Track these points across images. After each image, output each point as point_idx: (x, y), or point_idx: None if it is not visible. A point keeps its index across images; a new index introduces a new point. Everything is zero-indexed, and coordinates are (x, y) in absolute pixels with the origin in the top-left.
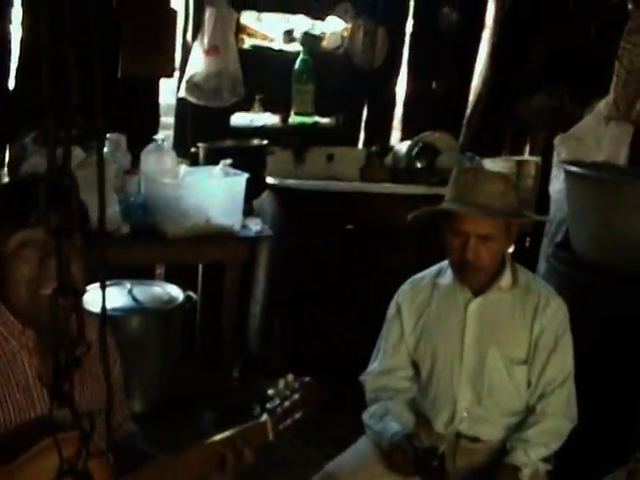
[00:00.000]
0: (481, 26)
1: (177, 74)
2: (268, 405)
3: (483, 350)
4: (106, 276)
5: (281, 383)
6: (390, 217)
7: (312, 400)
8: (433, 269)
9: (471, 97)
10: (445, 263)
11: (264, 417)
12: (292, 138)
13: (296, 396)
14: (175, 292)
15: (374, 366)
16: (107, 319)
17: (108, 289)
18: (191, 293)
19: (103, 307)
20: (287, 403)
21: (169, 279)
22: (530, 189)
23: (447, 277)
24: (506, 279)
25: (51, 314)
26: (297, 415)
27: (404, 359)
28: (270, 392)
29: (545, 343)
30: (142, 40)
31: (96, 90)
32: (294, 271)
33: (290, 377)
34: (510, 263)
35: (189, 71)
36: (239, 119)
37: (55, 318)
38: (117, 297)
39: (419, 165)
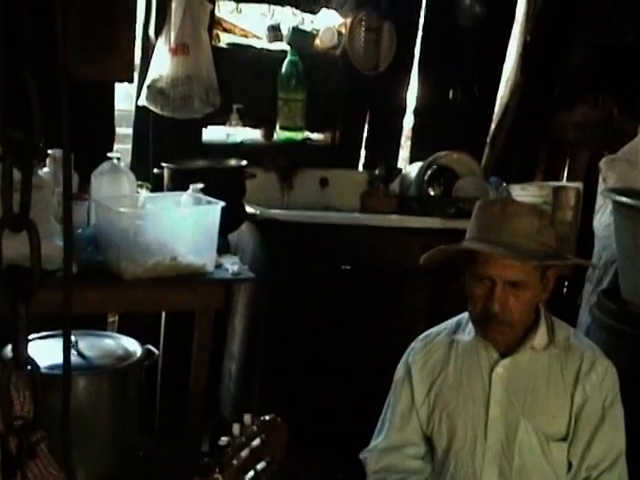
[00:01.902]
0: (510, 20)
1: (136, 77)
2: (221, 459)
3: (512, 423)
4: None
5: (235, 428)
6: (397, 256)
7: (278, 443)
8: (451, 322)
9: (497, 108)
10: (465, 316)
11: (216, 475)
12: (278, 158)
13: (256, 442)
14: (132, 346)
15: (378, 441)
16: (42, 379)
17: (47, 342)
18: (151, 347)
19: (66, 360)
20: (244, 453)
21: (124, 330)
22: (569, 223)
23: (468, 333)
24: (540, 336)
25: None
26: (260, 465)
27: (415, 433)
28: (222, 441)
29: (589, 415)
30: (92, 35)
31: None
32: (279, 321)
33: (247, 419)
34: (545, 316)
35: (151, 74)
36: (213, 134)
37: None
38: (58, 352)
39: (433, 192)
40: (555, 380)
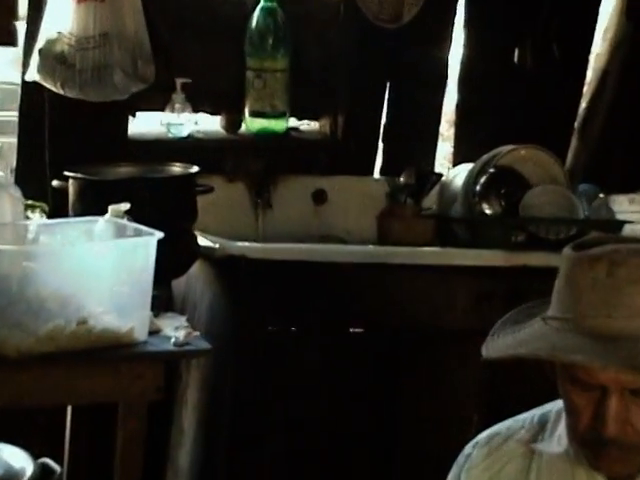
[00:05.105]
0: None
1: (22, 38)
2: None
3: None
4: None
5: None
6: (435, 311)
7: None
8: (530, 419)
9: (589, 77)
10: (554, 409)
11: None
12: (247, 160)
13: None
14: (18, 460)
15: None
16: None
17: None
18: (49, 461)
19: None
20: None
21: (7, 435)
22: None
23: (557, 441)
24: None
25: None
26: None
27: None
28: None
29: None
30: None
31: None
32: (252, 417)
33: None
34: None
35: (46, 32)
36: (145, 125)
37: None
38: None
39: (490, 211)
40: None
